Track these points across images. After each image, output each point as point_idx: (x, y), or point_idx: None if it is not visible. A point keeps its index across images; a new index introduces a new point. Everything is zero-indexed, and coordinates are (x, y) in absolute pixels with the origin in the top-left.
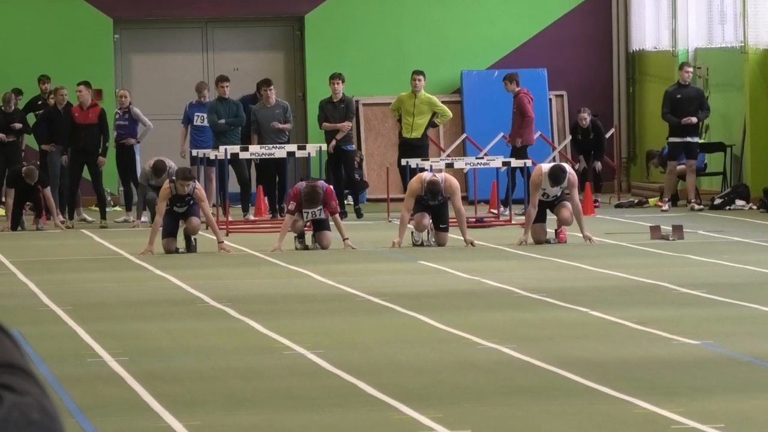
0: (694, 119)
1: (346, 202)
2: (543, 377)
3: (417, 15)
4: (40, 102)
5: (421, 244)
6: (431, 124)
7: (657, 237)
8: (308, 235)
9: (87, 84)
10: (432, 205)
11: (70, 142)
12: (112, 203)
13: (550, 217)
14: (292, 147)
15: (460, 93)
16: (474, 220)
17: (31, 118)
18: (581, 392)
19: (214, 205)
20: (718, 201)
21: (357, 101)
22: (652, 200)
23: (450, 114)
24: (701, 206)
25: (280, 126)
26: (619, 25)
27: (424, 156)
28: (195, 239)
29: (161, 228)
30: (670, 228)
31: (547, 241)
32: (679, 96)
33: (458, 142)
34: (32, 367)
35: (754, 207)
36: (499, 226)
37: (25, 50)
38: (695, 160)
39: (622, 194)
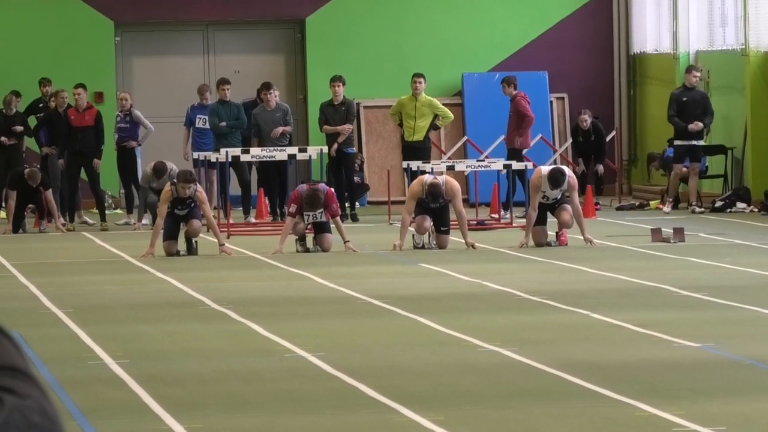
0: (701, 125)
1: (346, 204)
2: (544, 380)
3: (418, 17)
4: (41, 105)
5: (422, 247)
6: (433, 127)
7: (658, 240)
8: (309, 238)
9: (85, 87)
10: (433, 207)
11: (67, 145)
12: (113, 206)
13: (551, 220)
14: (293, 150)
15: (461, 96)
16: (475, 222)
17: (32, 121)
18: (582, 395)
19: (215, 208)
20: (719, 204)
21: (358, 104)
22: (653, 203)
23: (451, 116)
24: (702, 209)
25: (282, 131)
26: (620, 28)
27: (427, 158)
28: (196, 242)
29: (162, 230)
30: (671, 231)
31: (548, 244)
32: (685, 99)
33: (459, 144)
34: (33, 369)
35: (755, 209)
36: (500, 228)
37: (26, 53)
38: (698, 163)
39: (623, 197)
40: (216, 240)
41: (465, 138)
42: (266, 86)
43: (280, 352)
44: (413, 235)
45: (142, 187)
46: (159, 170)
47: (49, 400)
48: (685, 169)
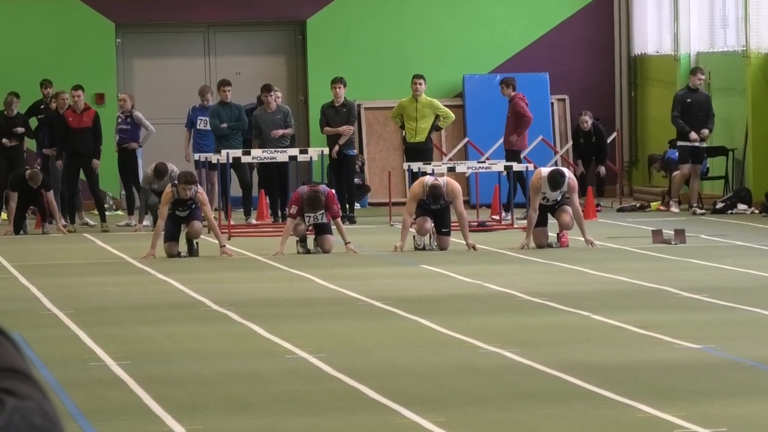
0: (706, 132)
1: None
2: (545, 381)
3: (419, 19)
4: (42, 106)
5: (423, 248)
6: (435, 128)
7: (659, 241)
8: (310, 239)
9: (83, 88)
10: (434, 209)
11: (65, 146)
12: (114, 207)
13: (551, 222)
14: (294, 151)
15: (462, 97)
16: (476, 224)
17: (33, 122)
18: (583, 396)
19: (216, 209)
20: (720, 205)
21: (359, 105)
22: (654, 204)
23: (452, 116)
24: (703, 210)
25: (281, 132)
26: (621, 29)
27: (430, 159)
28: (197, 243)
29: (163, 232)
30: (672, 232)
31: (549, 245)
32: (689, 100)
33: (460, 146)
34: (33, 371)
35: (756, 211)
36: (500, 230)
37: (27, 54)
38: (700, 165)
39: (623, 198)
40: (217, 241)
41: (466, 139)
42: (266, 88)
43: (281, 354)
44: (414, 237)
45: (143, 188)
46: (160, 172)
47: (49, 401)
48: (686, 171)
